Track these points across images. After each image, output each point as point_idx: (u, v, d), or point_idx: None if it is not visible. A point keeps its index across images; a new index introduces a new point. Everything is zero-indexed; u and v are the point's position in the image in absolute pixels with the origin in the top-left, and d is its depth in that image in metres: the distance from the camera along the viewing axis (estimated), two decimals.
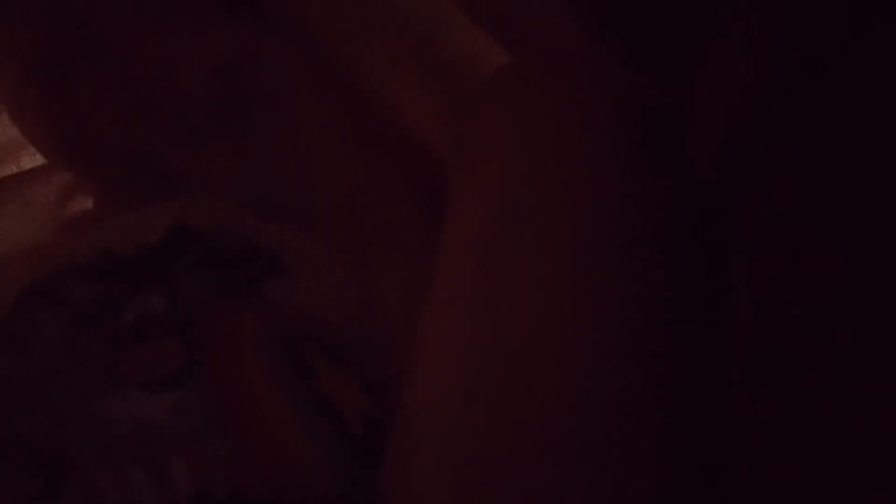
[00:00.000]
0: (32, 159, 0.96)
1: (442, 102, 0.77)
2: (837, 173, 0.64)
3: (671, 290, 0.65)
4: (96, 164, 0.82)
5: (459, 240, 0.67)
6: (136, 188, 0.82)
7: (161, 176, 0.80)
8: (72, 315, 0.74)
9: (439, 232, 0.68)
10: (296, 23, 0.80)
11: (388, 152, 0.81)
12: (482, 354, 0.64)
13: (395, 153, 0.81)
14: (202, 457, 0.68)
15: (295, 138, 0.81)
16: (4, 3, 0.80)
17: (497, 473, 0.61)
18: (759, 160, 0.66)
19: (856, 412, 0.62)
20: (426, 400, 0.65)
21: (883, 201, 0.62)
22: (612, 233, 0.65)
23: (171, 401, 0.70)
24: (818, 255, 0.64)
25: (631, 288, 0.64)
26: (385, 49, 0.78)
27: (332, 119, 0.82)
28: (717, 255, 0.66)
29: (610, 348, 0.63)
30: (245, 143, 0.80)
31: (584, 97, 0.67)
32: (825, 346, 0.63)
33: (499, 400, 0.62)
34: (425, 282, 0.68)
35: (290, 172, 0.81)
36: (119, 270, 0.76)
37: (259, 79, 0.80)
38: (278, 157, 0.81)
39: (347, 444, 0.70)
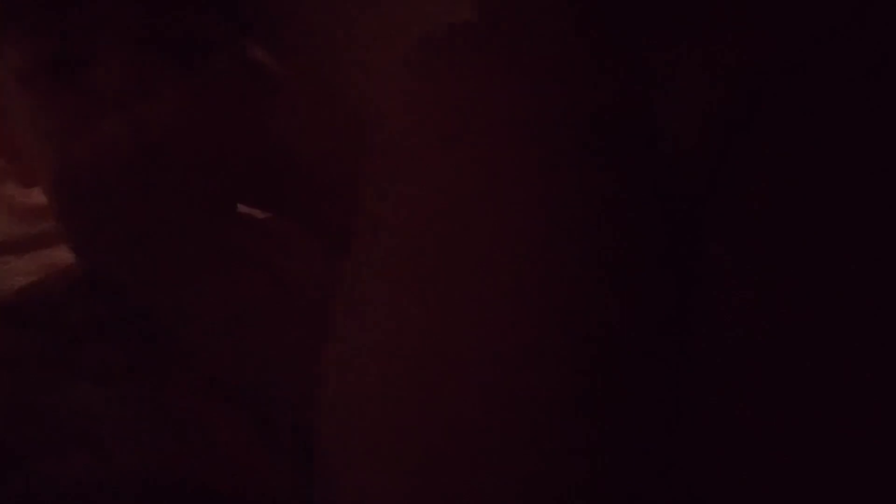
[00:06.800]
0: None
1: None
2: (821, 164, 0.64)
3: (611, 285, 0.64)
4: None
5: (377, 229, 0.66)
6: None
7: None
8: (16, 316, 0.77)
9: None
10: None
11: None
12: (405, 346, 0.63)
13: None
14: (148, 446, 0.72)
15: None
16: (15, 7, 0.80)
17: (421, 465, 0.62)
18: (743, 150, 0.66)
19: (837, 403, 0.61)
20: (343, 399, 0.65)
21: (864, 191, 0.62)
22: (541, 220, 0.64)
23: (116, 393, 0.73)
24: (800, 245, 0.63)
25: (562, 280, 0.63)
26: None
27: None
28: (684, 240, 0.65)
29: (535, 341, 0.63)
30: None
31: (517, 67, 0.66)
32: (804, 334, 0.62)
33: (418, 398, 0.62)
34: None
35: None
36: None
37: None
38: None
39: (284, 449, 0.73)
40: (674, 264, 0.65)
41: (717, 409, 0.63)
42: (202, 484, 0.71)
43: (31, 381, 0.74)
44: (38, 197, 0.88)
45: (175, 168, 0.76)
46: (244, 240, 0.80)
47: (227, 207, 0.81)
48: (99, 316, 0.77)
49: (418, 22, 0.70)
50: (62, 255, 0.85)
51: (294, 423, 0.73)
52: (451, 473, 0.61)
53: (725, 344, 0.64)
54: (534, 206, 0.64)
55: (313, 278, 0.77)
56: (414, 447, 0.62)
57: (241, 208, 0.84)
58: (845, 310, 0.61)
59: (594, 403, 0.62)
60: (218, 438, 0.73)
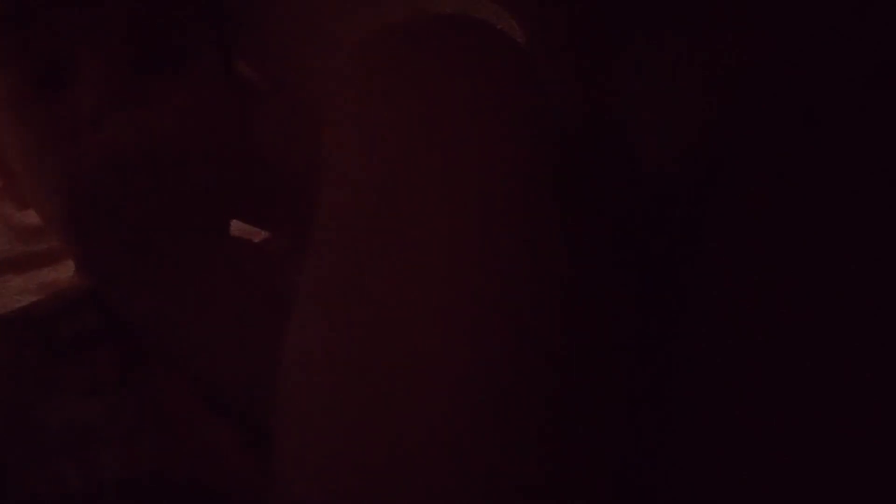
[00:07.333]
0: None
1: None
2: (821, 164, 0.64)
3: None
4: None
5: (332, 216, 0.65)
6: None
7: None
8: (12, 332, 0.77)
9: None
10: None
11: None
12: (364, 341, 0.62)
13: None
14: (132, 449, 0.73)
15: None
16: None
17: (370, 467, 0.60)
18: (743, 150, 0.66)
19: (837, 403, 0.61)
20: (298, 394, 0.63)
21: (864, 191, 0.62)
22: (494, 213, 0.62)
23: (103, 404, 0.74)
24: (800, 245, 0.63)
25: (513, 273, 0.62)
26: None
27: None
28: (684, 240, 0.65)
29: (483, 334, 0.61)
30: None
31: (472, 58, 0.64)
32: (804, 334, 0.62)
33: (374, 394, 0.61)
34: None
35: None
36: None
37: None
38: None
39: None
40: (648, 263, 0.65)
41: (717, 409, 0.63)
42: (202, 485, 0.71)
43: (22, 395, 0.75)
44: (35, 217, 0.89)
45: (176, 171, 0.77)
46: (239, 255, 0.80)
47: (222, 222, 0.82)
48: (91, 328, 0.77)
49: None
50: (60, 275, 0.85)
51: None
52: (413, 475, 0.59)
53: (725, 344, 0.64)
54: (494, 198, 0.63)
55: None
56: (371, 447, 0.60)
57: (236, 229, 0.84)
58: (845, 310, 0.61)
59: (574, 400, 0.62)
60: (214, 441, 0.73)
